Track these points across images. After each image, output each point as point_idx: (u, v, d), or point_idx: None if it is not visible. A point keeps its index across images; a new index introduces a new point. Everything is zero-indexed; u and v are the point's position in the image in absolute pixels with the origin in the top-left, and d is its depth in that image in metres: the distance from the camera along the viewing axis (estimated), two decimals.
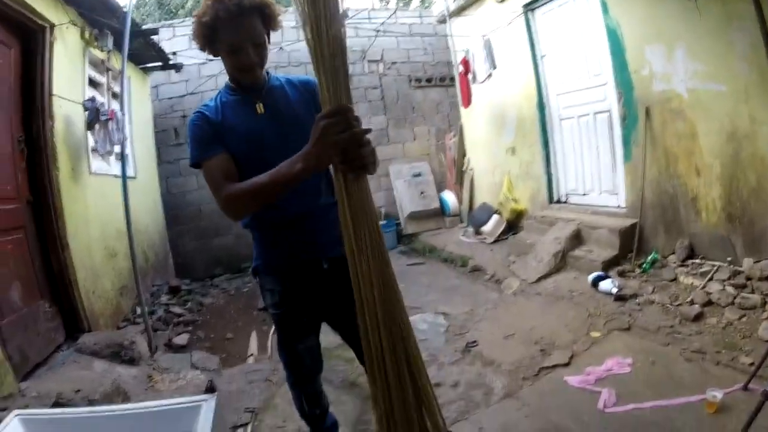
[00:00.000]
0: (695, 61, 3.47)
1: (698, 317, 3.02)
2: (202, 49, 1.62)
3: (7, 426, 1.34)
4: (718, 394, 2.14)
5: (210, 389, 1.44)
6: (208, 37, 1.56)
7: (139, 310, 4.08)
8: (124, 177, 3.76)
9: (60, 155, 3.54)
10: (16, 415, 1.39)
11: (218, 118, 1.60)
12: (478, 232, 5.95)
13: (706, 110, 3.47)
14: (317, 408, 2.06)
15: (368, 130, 1.23)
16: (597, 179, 4.77)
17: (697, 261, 3.60)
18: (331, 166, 1.39)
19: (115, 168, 4.40)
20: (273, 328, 4.30)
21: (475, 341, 3.32)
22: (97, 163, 4.25)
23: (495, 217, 5.76)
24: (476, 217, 6.08)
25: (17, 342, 2.81)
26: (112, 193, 4.24)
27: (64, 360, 3.09)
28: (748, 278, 3.17)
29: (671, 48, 3.61)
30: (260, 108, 1.64)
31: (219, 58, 1.62)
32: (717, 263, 3.44)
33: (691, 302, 3.18)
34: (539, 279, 4.22)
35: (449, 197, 7.03)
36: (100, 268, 4.03)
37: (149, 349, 3.54)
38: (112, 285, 4.19)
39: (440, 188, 7.40)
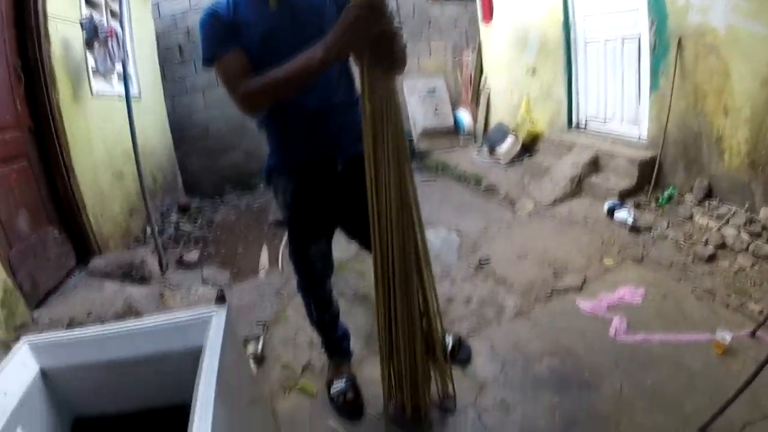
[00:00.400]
0: None
1: (711, 258, 2.97)
2: None
3: (17, 353, 1.33)
4: (727, 336, 2.14)
5: (220, 299, 1.40)
6: None
7: (149, 231, 4.08)
8: (128, 97, 3.62)
9: (59, 79, 3.39)
10: (25, 342, 1.38)
11: (230, 15, 1.53)
12: (492, 153, 5.81)
13: (742, 50, 3.22)
14: (326, 313, 2.08)
15: (399, 28, 1.19)
16: (619, 107, 4.56)
17: (714, 203, 3.51)
18: (353, 64, 1.35)
19: (119, 88, 4.21)
20: (284, 241, 4.34)
21: (488, 258, 3.32)
22: (98, 84, 4.09)
23: (510, 138, 5.60)
24: (491, 137, 5.92)
25: (27, 270, 2.81)
26: (116, 115, 4.10)
27: (75, 285, 3.12)
28: (764, 227, 3.09)
29: None
30: (273, 3, 1.55)
31: None
32: (734, 208, 3.35)
33: (705, 243, 3.12)
34: (554, 202, 4.16)
35: (464, 115, 6.81)
36: (108, 190, 3.99)
37: (160, 268, 3.57)
38: (121, 207, 4.17)
39: (455, 106, 7.14)
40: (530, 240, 3.58)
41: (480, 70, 6.73)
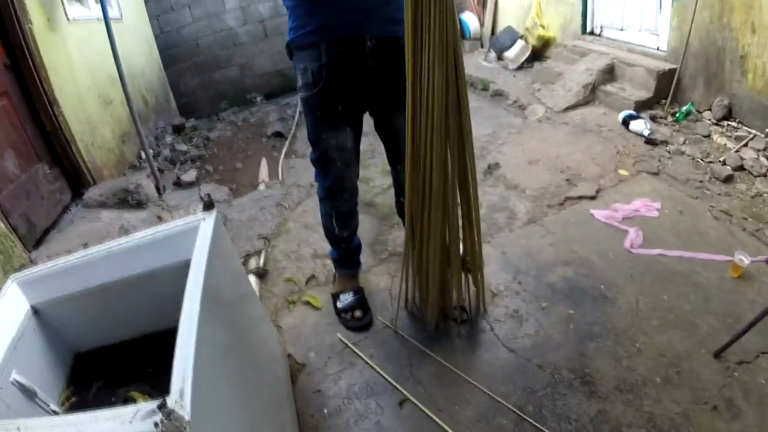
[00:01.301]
0: None
1: (729, 179, 2.83)
2: None
3: (6, 293, 1.26)
4: (746, 260, 2.04)
5: (208, 205, 1.29)
6: None
7: (143, 155, 3.96)
8: (106, 19, 3.37)
9: (30, 7, 3.15)
10: (13, 281, 1.30)
11: None
12: (500, 58, 5.53)
13: None
14: (347, 230, 1.97)
15: None
16: (638, 15, 4.21)
17: (734, 124, 3.31)
18: None
19: (96, 11, 3.96)
20: (283, 152, 4.23)
21: (497, 163, 3.22)
22: (74, 9, 3.84)
23: (520, 42, 5.29)
24: (499, 41, 5.59)
25: (20, 211, 2.72)
26: (97, 39, 3.85)
27: (72, 219, 3.05)
28: None
29: None
30: None
31: None
32: (754, 131, 3.16)
33: (723, 162, 2.98)
34: (566, 109, 3.98)
35: (470, 19, 6.41)
36: (97, 118, 3.82)
37: (157, 190, 3.49)
38: (113, 134, 4.02)
39: (460, 9, 6.74)
40: (541, 145, 3.45)
41: None
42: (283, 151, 4.32)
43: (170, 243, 1.29)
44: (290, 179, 3.58)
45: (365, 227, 2.61)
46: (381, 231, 2.63)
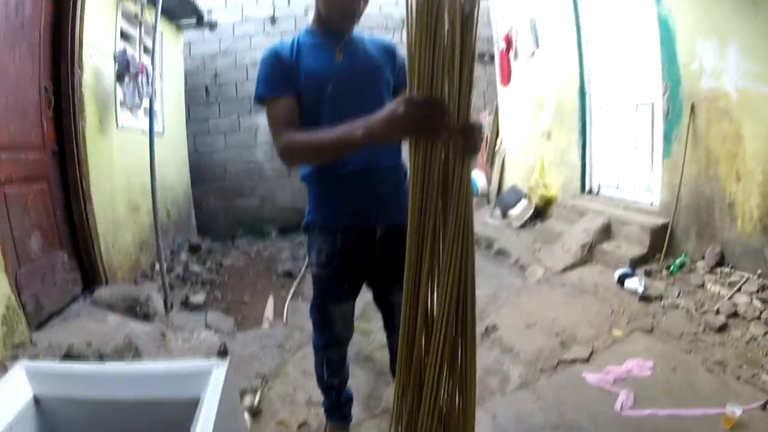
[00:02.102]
0: (748, 60, 3.26)
1: (722, 328, 2.91)
2: None
3: (13, 377, 1.33)
4: (737, 411, 2.06)
5: (222, 353, 1.39)
6: None
7: (157, 267, 4.10)
8: (151, 132, 3.72)
9: (87, 106, 3.52)
10: (22, 366, 1.37)
11: (292, 57, 1.57)
12: (505, 215, 5.82)
13: (754, 113, 3.27)
14: (337, 378, 2.02)
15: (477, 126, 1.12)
16: (632, 173, 4.60)
17: (727, 270, 3.46)
18: None
19: (143, 123, 4.38)
20: (290, 293, 4.33)
21: (495, 326, 3.26)
22: (124, 117, 4.23)
23: (524, 201, 5.63)
24: (505, 200, 5.95)
25: (33, 291, 2.82)
26: (138, 148, 4.23)
27: (78, 312, 3.11)
28: None
29: (724, 44, 3.40)
30: (339, 55, 1.61)
31: None
32: (747, 274, 3.30)
33: (717, 312, 3.06)
34: (565, 269, 4.11)
35: (478, 177, 6.87)
36: (122, 221, 4.05)
37: (164, 306, 3.56)
38: (133, 239, 4.21)
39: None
40: (539, 308, 3.52)
41: (497, 131, 6.86)
42: (291, 292, 4.43)
43: (182, 378, 1.36)
44: (294, 321, 3.65)
45: (361, 381, 2.64)
46: (376, 386, 2.64)
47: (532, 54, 5.76)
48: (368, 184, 1.66)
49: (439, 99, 1.05)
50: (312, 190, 1.74)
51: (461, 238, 1.10)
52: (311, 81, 1.56)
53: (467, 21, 1.02)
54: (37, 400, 1.36)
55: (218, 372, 1.32)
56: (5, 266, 2.54)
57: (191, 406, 1.17)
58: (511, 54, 6.11)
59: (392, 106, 1.10)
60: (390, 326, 1.95)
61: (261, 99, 1.56)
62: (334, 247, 1.71)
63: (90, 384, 1.38)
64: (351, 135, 1.25)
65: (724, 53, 3.41)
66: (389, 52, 1.73)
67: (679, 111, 3.85)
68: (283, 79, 1.54)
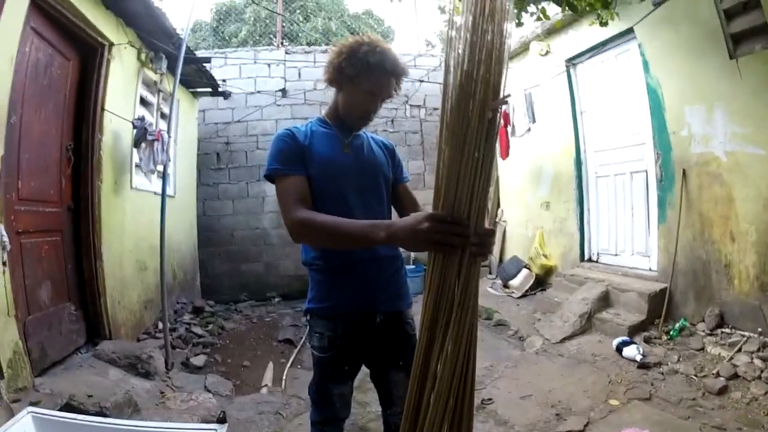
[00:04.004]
0: (735, 123, 3.45)
1: (722, 390, 2.91)
2: (334, 76, 1.72)
3: (19, 421, 1.38)
4: None
5: (221, 420, 1.45)
6: (356, 71, 1.66)
7: (160, 326, 4.14)
8: (163, 195, 3.89)
9: (104, 167, 3.70)
10: (29, 412, 1.43)
11: (306, 141, 1.69)
12: (506, 286, 5.88)
13: (744, 174, 3.42)
14: None
15: (491, 232, 1.19)
16: (630, 240, 4.70)
17: (727, 330, 3.50)
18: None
19: (156, 185, 4.55)
20: (290, 361, 4.34)
21: (491, 399, 3.25)
22: (138, 179, 4.41)
23: (524, 271, 5.70)
24: (505, 270, 6.03)
25: (39, 338, 2.89)
26: (149, 209, 4.38)
27: (81, 363, 3.15)
28: None
29: (711, 109, 3.60)
30: (347, 148, 1.75)
31: (333, 88, 1.76)
32: (747, 334, 3.34)
33: (717, 374, 3.08)
34: (563, 339, 4.12)
35: None
36: (129, 279, 4.14)
37: (165, 366, 3.58)
38: (138, 297, 4.28)
39: None
40: (536, 379, 3.52)
41: (497, 203, 7.02)
42: (291, 360, 4.44)
43: None
44: (292, 389, 3.66)
45: None
46: None
47: (529, 130, 6.02)
48: (369, 272, 1.74)
49: (461, 218, 1.12)
50: (314, 276, 1.82)
51: (467, 331, 1.16)
52: (321, 166, 1.67)
53: (490, 129, 1.10)
54: None
55: None
56: (16, 313, 2.62)
57: None
58: (509, 129, 6.35)
59: (417, 219, 1.18)
60: (386, 403, 1.98)
61: (273, 174, 1.64)
62: (335, 332, 1.77)
63: None
64: (372, 234, 1.34)
65: (712, 118, 3.60)
66: (389, 150, 1.90)
67: (672, 177, 4.00)
68: (297, 157, 1.65)
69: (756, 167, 3.32)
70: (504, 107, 6.01)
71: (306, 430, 2.08)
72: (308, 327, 1.90)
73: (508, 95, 1.13)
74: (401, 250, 1.78)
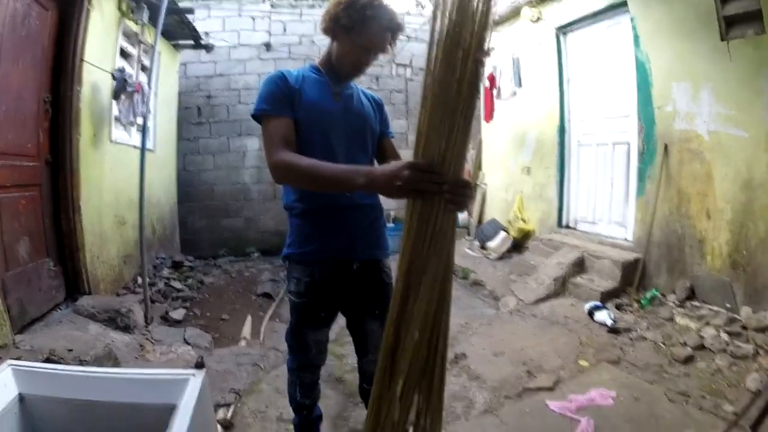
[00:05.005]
0: (720, 104, 3.47)
1: (688, 360, 3.01)
2: (330, 25, 1.69)
3: None
4: None
5: (199, 365, 1.48)
6: (352, 22, 1.64)
7: (140, 280, 4.16)
8: (143, 149, 3.82)
9: (83, 120, 3.62)
10: (9, 365, 1.44)
11: (297, 85, 1.69)
12: (483, 247, 5.96)
13: (724, 154, 3.46)
14: (308, 398, 2.10)
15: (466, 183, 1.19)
16: (607, 209, 4.78)
17: (696, 303, 3.60)
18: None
19: (135, 139, 4.49)
20: (268, 314, 4.39)
21: (464, 354, 3.34)
22: (118, 132, 4.34)
23: (502, 234, 5.76)
24: (484, 232, 6.09)
25: (18, 295, 2.89)
26: (129, 163, 4.32)
27: (61, 319, 3.16)
28: (744, 327, 3.17)
29: (698, 88, 3.61)
30: (337, 97, 1.76)
31: (328, 36, 1.74)
32: (715, 308, 3.44)
33: (684, 344, 3.18)
34: (537, 301, 4.22)
35: None
36: (109, 234, 4.11)
37: (145, 320, 3.60)
38: (117, 252, 4.27)
39: None
40: (509, 337, 3.61)
41: (479, 166, 7.05)
42: (269, 313, 4.50)
43: (160, 386, 1.44)
44: (270, 342, 3.71)
45: (331, 401, 2.72)
46: (345, 407, 2.71)
47: (514, 93, 5.99)
48: (348, 220, 1.78)
49: (439, 167, 1.14)
50: (293, 222, 1.84)
51: (442, 278, 1.19)
52: (309, 111, 1.68)
53: (474, 81, 1.11)
54: (21, 398, 1.43)
55: (194, 382, 1.40)
56: None
57: (167, 413, 1.26)
58: (495, 92, 6.32)
59: (397, 167, 1.20)
60: (361, 350, 2.03)
61: (260, 114, 1.65)
62: (312, 278, 1.80)
63: (73, 385, 1.45)
64: (352, 179, 1.35)
65: (698, 96, 3.61)
66: (378, 104, 1.92)
67: (653, 151, 4.04)
68: (285, 100, 1.65)
69: (737, 149, 3.37)
70: (491, 70, 6.04)
71: (284, 381, 2.15)
72: (286, 272, 1.92)
73: (493, 48, 1.14)
74: (383, 202, 1.82)
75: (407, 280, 1.20)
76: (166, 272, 5.21)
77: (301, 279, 1.81)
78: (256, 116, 1.66)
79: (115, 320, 3.29)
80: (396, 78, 7.56)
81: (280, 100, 1.64)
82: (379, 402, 1.32)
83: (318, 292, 1.81)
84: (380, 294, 1.79)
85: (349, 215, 1.77)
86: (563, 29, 5.19)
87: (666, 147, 3.91)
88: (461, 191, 1.15)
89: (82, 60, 3.55)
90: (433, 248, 1.17)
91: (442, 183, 1.12)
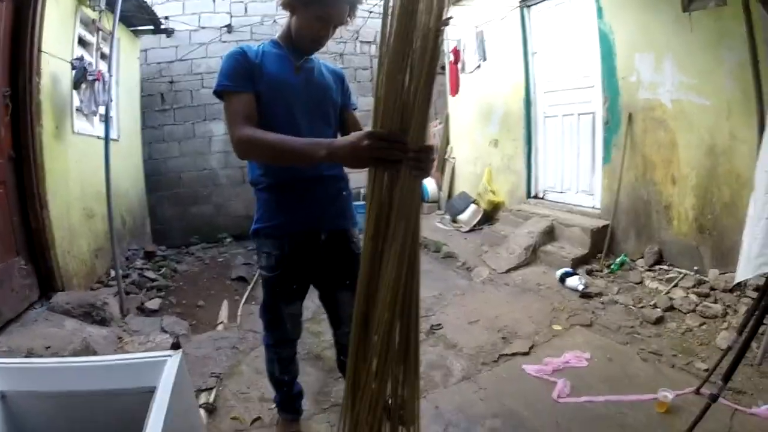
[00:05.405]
0: (682, 73, 3.56)
1: (659, 321, 3.13)
2: None
3: None
4: (669, 395, 2.24)
5: (175, 345, 1.49)
6: None
7: (113, 273, 4.11)
8: (107, 138, 3.74)
9: (44, 113, 3.53)
10: None
11: (257, 59, 1.69)
12: (454, 221, 6.02)
13: (688, 122, 3.56)
14: (287, 374, 2.14)
15: (429, 148, 1.20)
16: (575, 179, 4.88)
17: (665, 267, 3.73)
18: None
19: (99, 129, 4.38)
20: (244, 297, 4.40)
21: (440, 324, 3.40)
22: (80, 123, 4.23)
23: (472, 206, 5.83)
24: (454, 206, 6.15)
25: None
26: (93, 154, 4.21)
27: (36, 317, 3.12)
28: (713, 288, 3.30)
29: (660, 58, 3.70)
30: (298, 70, 1.77)
31: (287, 12, 1.73)
32: (684, 271, 3.58)
33: (654, 306, 3.29)
34: (509, 270, 4.31)
35: (429, 183, 7.06)
36: (78, 228, 4.04)
37: (120, 312, 3.58)
38: (88, 246, 4.20)
39: None
40: (483, 306, 3.69)
41: (447, 140, 7.08)
42: (245, 296, 4.51)
43: (138, 370, 1.44)
44: (248, 324, 3.72)
45: (311, 378, 2.75)
46: (326, 383, 2.75)
47: (479, 66, 6.01)
48: (313, 191, 1.80)
49: (398, 134, 1.14)
50: (260, 196, 1.85)
51: (409, 243, 1.20)
52: (271, 85, 1.68)
53: (434, 44, 1.10)
54: (2, 396, 1.42)
55: (171, 362, 1.41)
56: None
57: (148, 396, 1.27)
58: (460, 66, 6.33)
59: (357, 137, 1.20)
60: (335, 322, 2.08)
61: (222, 90, 1.64)
62: (282, 251, 1.83)
63: (52, 378, 1.45)
64: (313, 151, 1.35)
65: (660, 66, 3.70)
66: (339, 77, 1.93)
67: (618, 120, 4.13)
68: (246, 75, 1.64)
69: (700, 116, 3.46)
70: (455, 44, 6.03)
71: (263, 361, 2.18)
72: (256, 248, 1.93)
73: (451, 17, 1.15)
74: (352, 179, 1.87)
75: (374, 246, 1.22)
76: (139, 263, 5.15)
77: (271, 253, 1.84)
78: (218, 92, 1.66)
79: (91, 314, 3.26)
80: (360, 55, 7.51)
81: (241, 75, 1.64)
82: (354, 374, 1.36)
83: (288, 265, 1.84)
84: (350, 264, 1.81)
85: (314, 187, 1.80)
86: (527, 2, 5.20)
87: (630, 116, 3.99)
88: (424, 157, 1.17)
89: (39, 50, 3.44)
90: (399, 214, 1.18)
91: (405, 150, 1.13)
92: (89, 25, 4.40)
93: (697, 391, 2.33)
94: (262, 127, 1.56)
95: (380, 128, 1.15)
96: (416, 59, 1.11)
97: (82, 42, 4.32)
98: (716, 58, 3.31)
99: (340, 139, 1.31)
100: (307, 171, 1.75)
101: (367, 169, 1.21)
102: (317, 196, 1.81)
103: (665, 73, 3.68)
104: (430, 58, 1.11)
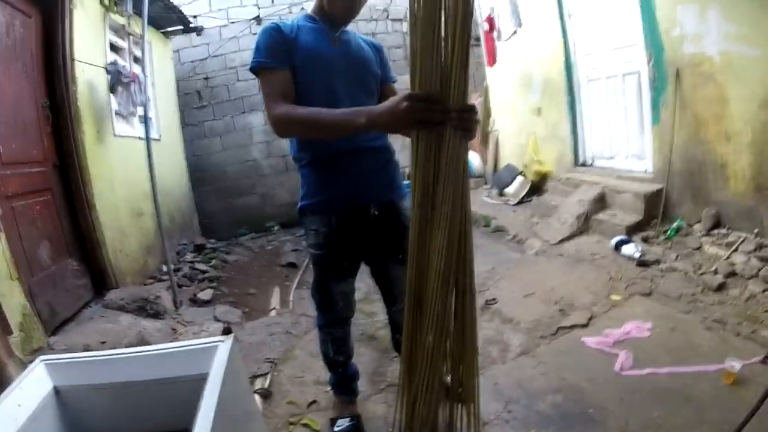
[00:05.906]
0: (729, 23, 3.28)
1: (721, 287, 2.94)
2: None
3: (33, 371, 1.40)
4: (736, 365, 2.09)
5: (227, 330, 1.47)
6: None
7: (164, 268, 4.20)
8: (147, 138, 3.82)
9: (84, 118, 3.62)
10: (41, 361, 1.45)
11: (292, 34, 1.65)
12: (501, 194, 5.90)
13: (738, 75, 3.29)
14: (341, 354, 2.11)
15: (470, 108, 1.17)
16: (624, 143, 4.64)
17: (723, 231, 3.49)
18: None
19: (139, 130, 4.48)
20: (295, 282, 4.42)
21: (494, 299, 3.32)
22: (120, 126, 4.32)
23: (519, 178, 5.70)
24: (500, 179, 6.02)
25: (46, 298, 2.93)
26: (136, 155, 4.31)
27: (92, 315, 3.21)
28: None
29: (704, 8, 3.42)
30: (335, 42, 1.72)
31: None
32: (743, 234, 3.33)
33: (715, 272, 3.09)
34: (561, 241, 4.18)
35: (473, 158, 6.92)
36: (127, 227, 4.14)
37: (174, 304, 3.66)
38: (139, 244, 4.31)
39: None
40: (537, 279, 3.59)
41: (488, 112, 6.91)
42: (295, 282, 4.54)
43: (190, 357, 1.44)
44: (300, 309, 3.72)
45: (366, 359, 2.71)
46: (381, 363, 2.71)
47: (515, 32, 5.81)
48: (358, 164, 1.74)
49: (437, 95, 1.11)
50: (304, 173, 1.81)
51: (459, 209, 1.18)
52: (308, 58, 1.64)
53: (466, 8, 1.08)
54: (57, 391, 1.44)
55: (223, 347, 1.40)
56: (19, 276, 2.64)
57: (201, 383, 1.24)
58: (495, 34, 6.15)
59: (395, 101, 1.17)
60: (389, 299, 2.03)
61: (258, 68, 1.61)
62: (330, 227, 1.78)
63: (105, 370, 1.46)
64: (353, 120, 1.33)
65: (705, 17, 3.42)
66: (377, 49, 1.89)
67: (665, 78, 3.88)
68: (282, 51, 1.61)
69: (750, 68, 3.19)
70: (488, 12, 5.85)
71: (317, 344, 2.15)
72: (303, 227, 1.89)
73: None
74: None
75: (423, 214, 1.18)
76: (189, 256, 5.26)
77: (318, 230, 1.80)
78: (254, 69, 1.62)
79: (145, 308, 3.34)
80: (393, 34, 7.40)
81: (277, 51, 1.60)
82: (410, 352, 1.31)
83: (337, 241, 1.79)
84: (400, 237, 1.71)
85: (358, 160, 1.74)
86: None
87: (677, 72, 3.73)
88: (467, 116, 1.13)
89: (73, 59, 3.53)
90: (447, 179, 1.14)
91: (446, 111, 1.09)
92: (119, 30, 4.48)
93: (765, 361, 2.17)
94: (301, 101, 1.53)
95: (418, 89, 1.12)
96: (449, 16, 1.08)
97: (114, 48, 4.40)
98: (765, 4, 3.03)
99: (379, 105, 1.27)
100: (345, 143, 1.68)
101: (409, 138, 1.17)
102: (361, 169, 1.75)
103: (710, 23, 3.41)
104: (463, 14, 1.07)
